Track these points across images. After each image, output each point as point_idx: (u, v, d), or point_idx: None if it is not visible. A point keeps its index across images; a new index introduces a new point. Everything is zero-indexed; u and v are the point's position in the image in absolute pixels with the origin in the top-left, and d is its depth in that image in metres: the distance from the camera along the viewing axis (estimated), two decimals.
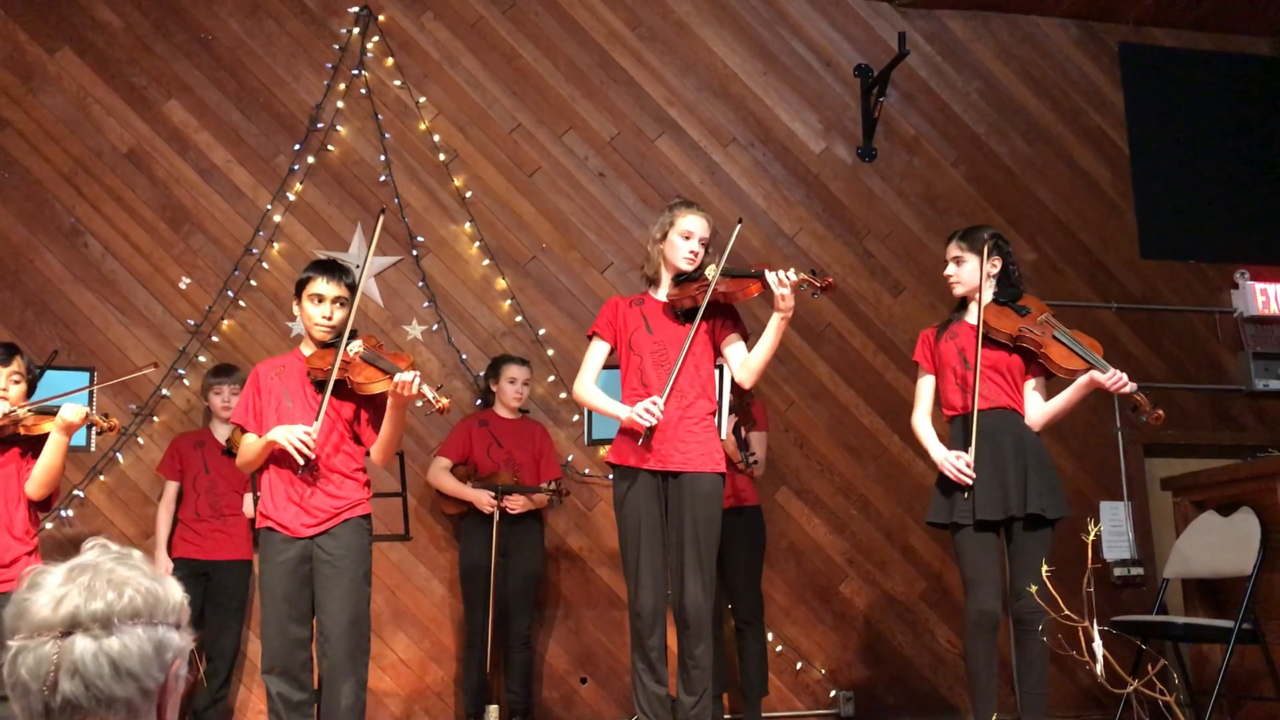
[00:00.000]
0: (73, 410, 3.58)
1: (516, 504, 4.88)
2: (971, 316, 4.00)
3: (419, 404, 3.47)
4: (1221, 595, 5.10)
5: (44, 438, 3.63)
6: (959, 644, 5.52)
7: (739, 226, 3.92)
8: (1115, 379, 3.74)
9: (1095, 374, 3.77)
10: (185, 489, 4.91)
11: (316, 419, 3.53)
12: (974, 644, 3.82)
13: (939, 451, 3.91)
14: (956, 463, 3.81)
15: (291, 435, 3.47)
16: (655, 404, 3.68)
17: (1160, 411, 3.72)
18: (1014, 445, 3.82)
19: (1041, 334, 3.86)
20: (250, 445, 3.64)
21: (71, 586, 1.27)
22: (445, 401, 3.42)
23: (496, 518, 4.76)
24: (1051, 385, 4.00)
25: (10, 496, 3.66)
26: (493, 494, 4.81)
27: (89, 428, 3.60)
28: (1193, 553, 4.99)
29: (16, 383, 3.73)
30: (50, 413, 3.62)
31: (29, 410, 3.66)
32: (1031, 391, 3.95)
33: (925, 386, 4.07)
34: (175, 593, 1.34)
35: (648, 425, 3.66)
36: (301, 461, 3.47)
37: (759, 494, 5.14)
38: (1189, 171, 6.54)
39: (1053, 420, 3.96)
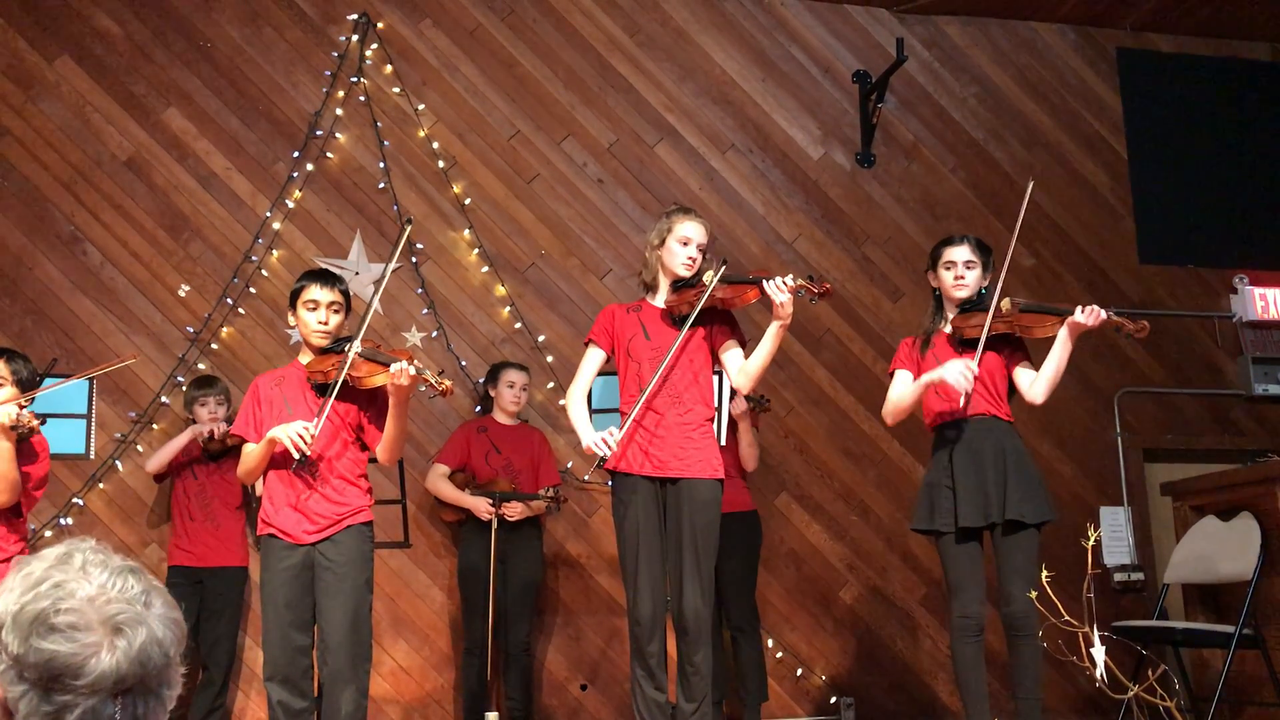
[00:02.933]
0: (3, 412, 3.43)
1: (515, 511, 4.88)
2: (949, 326, 4.03)
3: (423, 388, 3.46)
4: (1222, 600, 5.09)
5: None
6: None
7: (723, 268, 3.78)
8: (1089, 312, 3.75)
9: (1072, 318, 3.77)
10: (176, 494, 4.90)
11: (318, 416, 3.52)
12: (961, 648, 3.85)
13: (938, 371, 3.86)
14: (965, 371, 3.79)
15: (290, 430, 3.47)
16: (611, 434, 3.70)
17: (1144, 322, 3.74)
18: (994, 452, 3.85)
19: (1013, 317, 3.89)
20: (251, 452, 3.64)
21: (126, 644, 1.27)
22: (448, 384, 3.40)
23: (494, 525, 4.75)
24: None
25: None
26: (490, 501, 4.81)
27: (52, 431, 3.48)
28: (1193, 558, 4.98)
29: (1, 385, 3.68)
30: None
31: None
32: (1023, 371, 3.96)
33: (903, 379, 4.07)
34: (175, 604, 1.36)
35: (601, 455, 3.69)
36: (297, 456, 3.45)
37: (757, 499, 5.14)
38: (1188, 177, 6.54)
39: (1053, 382, 3.90)
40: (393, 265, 4.02)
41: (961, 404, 3.84)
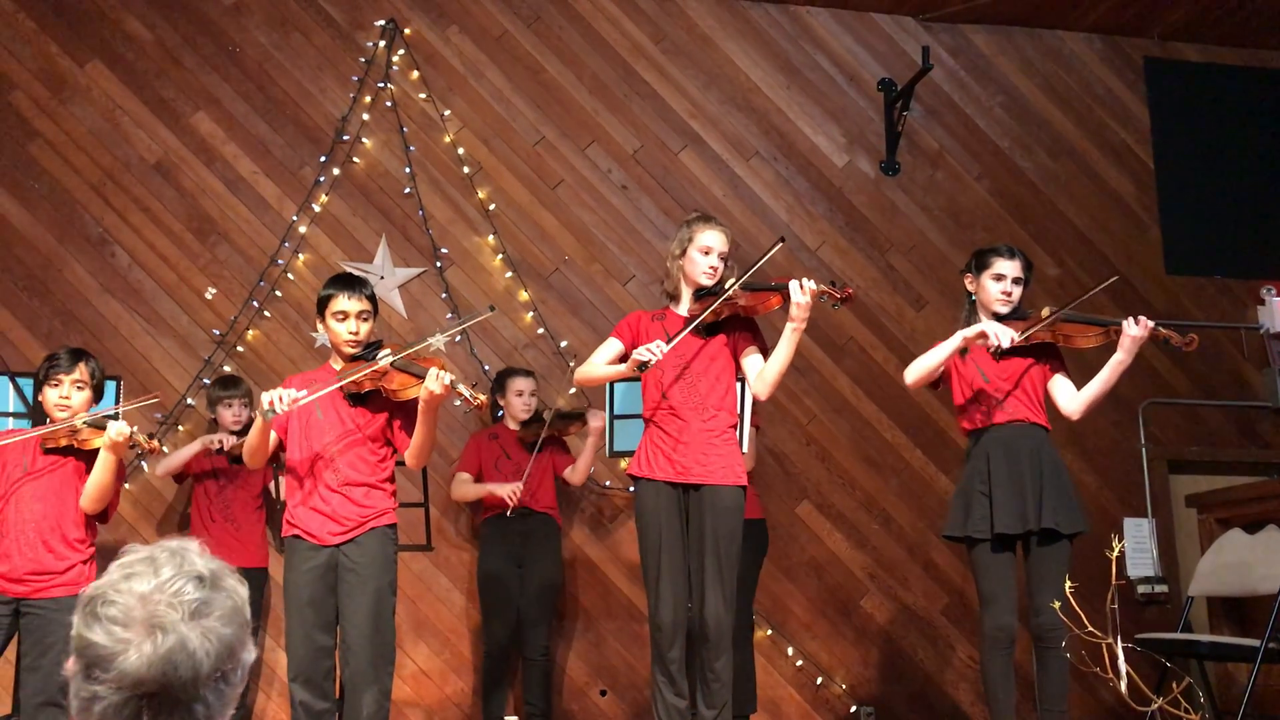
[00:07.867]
0: (117, 430, 3.51)
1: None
2: None
3: (457, 402, 3.47)
4: (1247, 614, 5.05)
5: (96, 451, 3.61)
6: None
7: (779, 244, 3.80)
8: (1141, 324, 3.74)
9: (1127, 332, 3.74)
10: (197, 495, 4.93)
11: (317, 393, 3.53)
12: (991, 659, 3.82)
13: (977, 326, 3.86)
14: (1003, 329, 3.80)
15: (278, 390, 3.49)
16: (659, 345, 3.65)
17: (1193, 335, 3.72)
18: (1031, 459, 3.82)
19: (1054, 325, 3.88)
20: (252, 430, 3.66)
21: (152, 648, 1.26)
22: (482, 398, 3.42)
23: (515, 500, 4.76)
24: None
25: (65, 504, 3.66)
26: (515, 487, 4.82)
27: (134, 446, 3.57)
28: (1218, 570, 4.94)
29: (80, 389, 3.69)
30: (102, 427, 3.57)
31: (84, 422, 3.62)
32: (1062, 383, 3.95)
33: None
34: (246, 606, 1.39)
35: (642, 360, 3.61)
36: (266, 406, 3.46)
37: (778, 507, 5.13)
38: (1215, 187, 6.50)
39: (1096, 400, 3.90)
40: (464, 324, 4.21)
41: (995, 345, 3.80)
